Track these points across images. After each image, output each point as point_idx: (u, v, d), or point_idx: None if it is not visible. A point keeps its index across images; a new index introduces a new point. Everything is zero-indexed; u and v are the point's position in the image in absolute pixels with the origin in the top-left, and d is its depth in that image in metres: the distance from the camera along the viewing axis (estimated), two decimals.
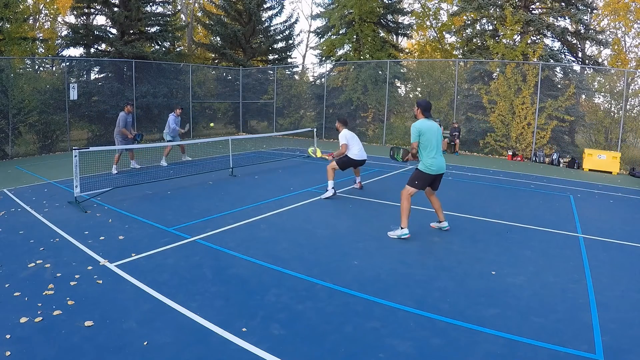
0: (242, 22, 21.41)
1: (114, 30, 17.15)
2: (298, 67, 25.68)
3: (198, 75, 18.61)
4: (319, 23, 22.49)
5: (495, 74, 14.47)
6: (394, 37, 22.19)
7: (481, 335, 3.03)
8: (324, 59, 20.82)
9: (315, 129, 12.70)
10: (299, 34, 42.66)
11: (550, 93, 13.44)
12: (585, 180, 9.99)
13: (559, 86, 14.17)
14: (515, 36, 14.77)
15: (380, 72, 16.90)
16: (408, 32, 21.07)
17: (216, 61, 22.60)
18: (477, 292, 3.73)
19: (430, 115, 5.04)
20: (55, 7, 24.34)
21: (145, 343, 2.83)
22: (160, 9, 18.65)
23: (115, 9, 16.38)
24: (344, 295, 3.61)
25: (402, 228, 5.00)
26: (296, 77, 21.33)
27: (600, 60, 17.64)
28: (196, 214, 5.92)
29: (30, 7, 21.41)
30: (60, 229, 5.17)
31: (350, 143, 7.16)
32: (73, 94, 13.14)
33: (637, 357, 2.80)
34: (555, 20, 15.40)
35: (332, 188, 7.08)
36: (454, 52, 20.39)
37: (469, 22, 17.00)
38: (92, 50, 17.03)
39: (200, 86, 18.51)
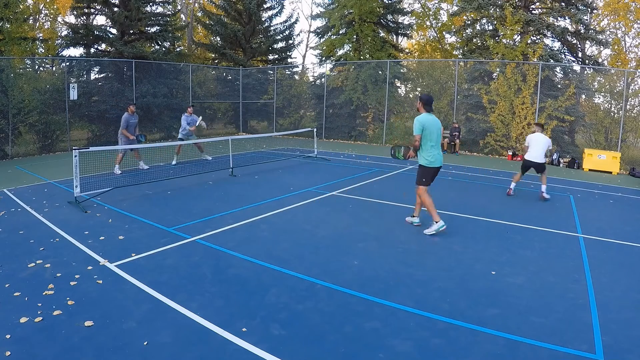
0: (242, 22, 21.41)
1: (114, 30, 17.14)
2: (298, 67, 25.70)
3: (198, 75, 18.62)
4: (319, 23, 22.52)
5: (495, 74, 14.46)
6: (394, 37, 22.18)
7: (481, 335, 3.03)
8: (324, 59, 20.82)
9: (315, 129, 12.70)
10: (299, 34, 42.74)
11: (550, 93, 13.44)
12: (585, 180, 9.98)
13: (559, 86, 14.17)
14: (515, 36, 14.76)
15: (380, 72, 16.90)
16: (408, 32, 21.07)
17: (216, 61, 22.61)
18: (477, 292, 3.73)
19: (431, 109, 5.22)
20: (55, 7, 24.34)
21: (145, 343, 2.83)
22: (160, 9, 18.65)
23: (115, 9, 16.38)
24: (344, 295, 3.61)
25: (436, 222, 5.16)
26: (296, 77, 21.33)
27: (600, 60, 17.64)
28: (196, 214, 5.92)
29: (30, 7, 21.42)
30: (60, 229, 5.17)
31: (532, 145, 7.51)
32: (73, 94, 13.14)
33: (637, 357, 2.80)
34: (555, 20, 15.40)
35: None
36: (454, 52, 20.39)
37: (469, 22, 16.99)
38: (92, 50, 17.03)
39: (200, 86, 18.50)
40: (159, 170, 9.38)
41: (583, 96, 14.83)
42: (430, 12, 23.75)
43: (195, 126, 10.30)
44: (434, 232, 5.19)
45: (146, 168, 9.57)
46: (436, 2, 23.46)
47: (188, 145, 10.55)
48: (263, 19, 21.91)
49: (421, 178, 5.25)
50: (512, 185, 7.75)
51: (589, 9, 15.00)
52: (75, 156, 6.12)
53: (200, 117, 10.63)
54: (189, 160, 10.59)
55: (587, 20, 15.39)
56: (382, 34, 20.31)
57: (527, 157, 7.50)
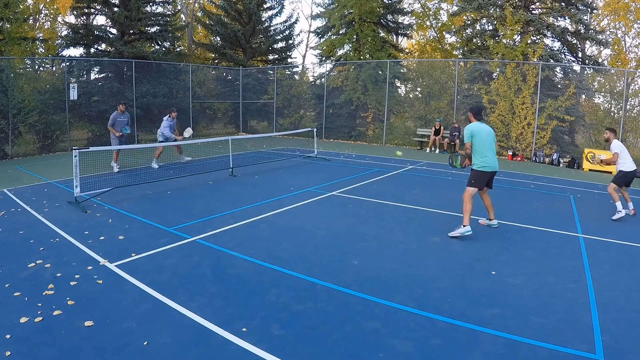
0: (242, 22, 21.41)
1: (114, 30, 17.14)
2: (298, 67, 25.69)
3: (198, 75, 18.61)
4: (319, 23, 22.47)
5: (495, 74, 14.46)
6: (394, 37, 22.17)
7: (481, 335, 3.03)
8: (324, 59, 20.81)
9: (315, 129, 12.70)
10: (299, 34, 42.71)
11: (550, 93, 13.43)
12: (585, 180, 9.97)
13: (559, 86, 14.16)
14: (515, 36, 14.76)
15: (380, 72, 16.89)
16: (408, 32, 21.06)
17: (216, 61, 22.60)
18: (477, 292, 3.73)
19: (481, 118, 5.49)
20: (55, 7, 24.33)
21: (145, 343, 2.83)
22: (160, 9, 18.64)
23: (115, 9, 16.37)
24: (344, 295, 3.61)
25: (464, 226, 5.12)
26: (296, 77, 21.32)
27: (600, 60, 17.63)
28: (196, 214, 5.92)
29: (30, 7, 21.42)
30: (60, 229, 5.17)
31: (623, 154, 6.53)
32: (73, 94, 13.14)
33: (637, 357, 2.80)
34: (555, 20, 15.39)
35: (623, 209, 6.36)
36: (454, 52, 20.38)
37: (469, 22, 16.99)
38: (92, 50, 17.02)
39: (200, 86, 18.50)
40: (159, 170, 9.38)
41: (583, 96, 14.82)
42: (430, 12, 23.76)
43: (179, 137, 10.01)
44: (458, 235, 5.11)
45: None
46: (436, 2, 23.47)
47: (168, 147, 10.12)
48: (263, 19, 21.89)
49: (471, 180, 5.34)
50: (620, 205, 6.34)
51: (589, 9, 15.00)
52: (75, 156, 6.12)
53: (188, 129, 10.48)
54: (171, 163, 10.16)
55: (587, 20, 15.37)
56: (382, 34, 20.30)
57: (627, 168, 6.42)
